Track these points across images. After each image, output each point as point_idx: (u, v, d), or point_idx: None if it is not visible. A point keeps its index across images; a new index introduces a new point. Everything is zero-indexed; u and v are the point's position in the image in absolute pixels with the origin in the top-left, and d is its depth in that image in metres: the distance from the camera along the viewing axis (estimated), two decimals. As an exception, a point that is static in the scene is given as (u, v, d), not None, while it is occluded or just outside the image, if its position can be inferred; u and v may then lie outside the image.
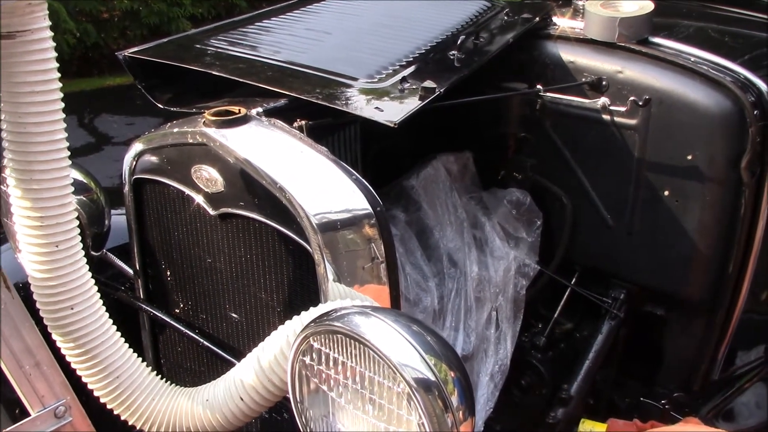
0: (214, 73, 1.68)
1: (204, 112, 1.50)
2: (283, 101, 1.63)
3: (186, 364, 1.79)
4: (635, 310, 2.15)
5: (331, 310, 1.19)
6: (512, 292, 2.09)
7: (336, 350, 1.14)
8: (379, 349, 1.08)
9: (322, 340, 1.15)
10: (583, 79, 2.04)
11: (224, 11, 8.61)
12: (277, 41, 1.92)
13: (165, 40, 1.93)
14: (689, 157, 1.92)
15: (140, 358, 1.40)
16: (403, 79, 1.71)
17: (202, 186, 1.51)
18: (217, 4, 8.69)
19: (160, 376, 1.48)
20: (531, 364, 2.13)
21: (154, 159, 1.62)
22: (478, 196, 2.23)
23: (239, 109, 1.50)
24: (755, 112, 1.87)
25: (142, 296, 1.79)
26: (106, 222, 1.84)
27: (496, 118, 2.23)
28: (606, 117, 2.01)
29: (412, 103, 1.61)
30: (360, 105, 1.60)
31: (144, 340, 1.83)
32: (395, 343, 1.09)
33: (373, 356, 1.10)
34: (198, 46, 1.85)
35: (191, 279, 1.67)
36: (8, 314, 1.15)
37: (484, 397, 1.97)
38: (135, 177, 1.67)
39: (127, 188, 1.69)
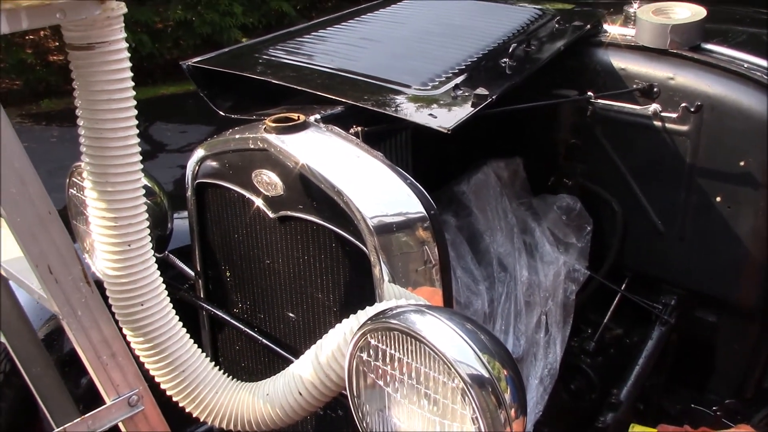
0: (272, 81, 1.75)
1: (264, 119, 1.56)
2: (339, 108, 1.69)
3: (243, 363, 1.85)
4: (686, 315, 2.15)
5: (387, 309, 1.23)
6: (562, 297, 2.10)
7: (392, 347, 1.18)
8: (434, 346, 1.12)
9: (379, 337, 1.19)
10: (635, 86, 2.05)
11: (274, 20, 8.76)
12: (332, 50, 1.98)
13: (225, 50, 2.01)
14: (742, 164, 1.91)
15: (204, 354, 1.47)
16: (456, 87, 1.75)
17: (262, 190, 1.58)
18: (268, 13, 8.84)
19: (220, 372, 1.54)
20: (580, 368, 2.15)
21: (215, 164, 1.69)
22: (528, 201, 2.26)
23: (298, 116, 1.56)
24: None
25: (202, 296, 1.86)
26: (169, 225, 1.91)
27: (547, 124, 2.25)
28: (657, 123, 2.02)
29: (465, 110, 1.65)
30: (414, 112, 1.65)
31: (203, 339, 1.91)
32: (450, 340, 1.13)
33: (428, 352, 1.13)
34: (256, 55, 1.92)
35: (250, 279, 1.73)
36: (87, 307, 1.22)
37: (534, 401, 1.99)
38: (198, 181, 1.74)
39: (189, 192, 1.77)
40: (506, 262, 2.08)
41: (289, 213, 1.55)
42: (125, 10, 1.22)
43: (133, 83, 1.25)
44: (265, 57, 1.91)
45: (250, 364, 1.85)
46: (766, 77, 1.91)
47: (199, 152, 1.72)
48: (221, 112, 1.86)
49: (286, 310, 1.67)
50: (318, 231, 1.52)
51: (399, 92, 1.73)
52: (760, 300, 2.01)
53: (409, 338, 1.16)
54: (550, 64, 2.04)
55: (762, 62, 1.98)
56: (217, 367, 1.78)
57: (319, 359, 1.32)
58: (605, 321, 2.18)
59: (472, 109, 1.64)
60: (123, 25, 1.22)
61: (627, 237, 2.18)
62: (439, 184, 2.17)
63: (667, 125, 2.01)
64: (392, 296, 1.38)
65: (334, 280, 1.54)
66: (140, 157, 1.30)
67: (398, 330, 1.17)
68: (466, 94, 1.72)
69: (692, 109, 1.90)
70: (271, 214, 1.58)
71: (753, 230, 1.95)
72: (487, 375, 1.11)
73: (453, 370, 1.11)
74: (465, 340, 1.13)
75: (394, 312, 1.20)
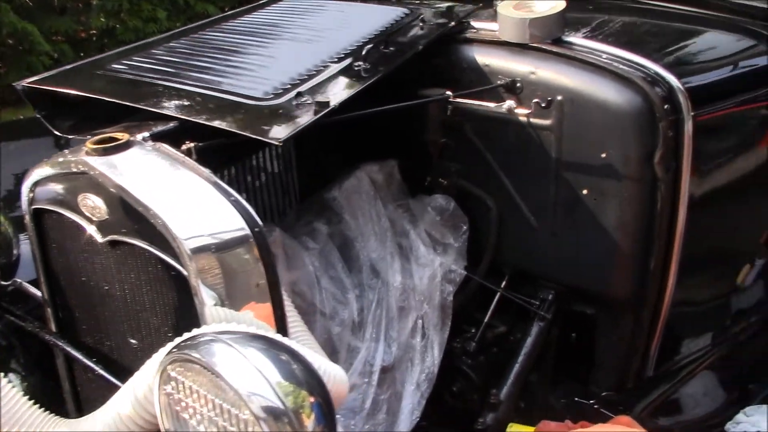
0: (106, 99, 1.68)
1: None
2: (172, 125, 1.62)
3: (98, 392, 1.78)
4: (565, 310, 2.14)
5: (192, 336, 1.19)
6: (439, 299, 2.07)
7: (190, 379, 1.13)
8: (225, 378, 1.08)
9: (179, 369, 1.14)
10: (499, 82, 2.02)
11: (201, 23, 8.61)
12: (182, 63, 1.90)
13: (66, 67, 1.92)
14: (603, 155, 1.90)
15: (17, 389, 1.40)
16: (299, 95, 1.70)
17: (89, 214, 1.51)
18: (193, 17, 8.69)
19: (76, 406, 1.47)
20: (461, 370, 2.12)
21: (48, 188, 1.61)
22: (406, 204, 2.22)
23: (123, 136, 1.50)
24: (665, 107, 1.85)
25: (54, 325, 1.78)
26: (15, 251, 1.83)
27: (419, 125, 2.22)
28: (522, 119, 2.00)
29: (305, 119, 1.60)
30: (248, 123, 1.59)
31: (60, 370, 1.83)
32: (244, 372, 1.09)
33: (221, 384, 1.09)
34: (99, 72, 1.85)
35: (93, 307, 1.66)
36: None
37: (410, 407, 1.96)
38: (33, 207, 1.66)
39: (27, 218, 1.68)
40: (379, 267, 2.04)
41: (117, 237, 1.49)
42: None
43: None
44: (105, 73, 1.83)
45: (106, 393, 1.77)
46: (621, 68, 1.90)
47: (32, 177, 1.64)
48: (58, 133, 1.78)
49: (127, 336, 1.61)
50: (144, 255, 1.46)
51: (238, 104, 1.67)
52: (631, 291, 2.01)
53: (204, 370, 1.11)
54: (416, 64, 2.01)
55: (620, 52, 1.97)
56: (76, 400, 1.72)
57: (135, 394, 1.27)
58: (486, 320, 2.16)
59: (311, 117, 1.60)
60: None
61: (503, 234, 2.16)
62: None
63: (532, 120, 1.98)
64: (216, 319, 1.33)
65: (165, 304, 1.49)
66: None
67: (194, 362, 1.12)
68: (308, 102, 1.67)
69: (543, 105, 1.88)
70: (100, 239, 1.52)
71: (619, 222, 1.94)
72: (281, 406, 1.07)
73: (243, 401, 1.06)
74: (259, 371, 1.09)
75: (195, 342, 1.16)
